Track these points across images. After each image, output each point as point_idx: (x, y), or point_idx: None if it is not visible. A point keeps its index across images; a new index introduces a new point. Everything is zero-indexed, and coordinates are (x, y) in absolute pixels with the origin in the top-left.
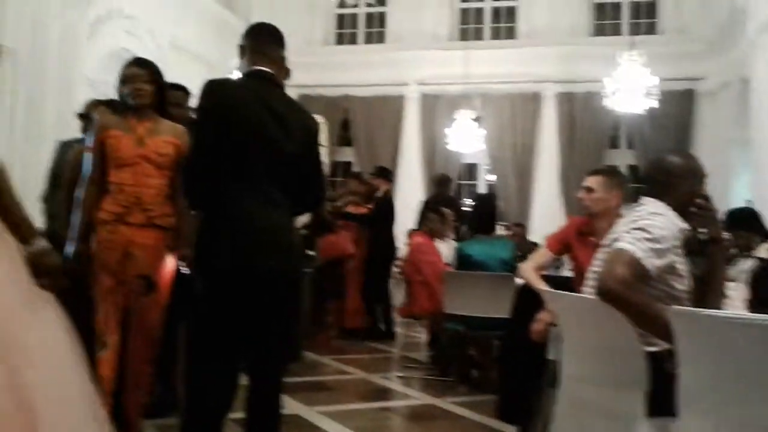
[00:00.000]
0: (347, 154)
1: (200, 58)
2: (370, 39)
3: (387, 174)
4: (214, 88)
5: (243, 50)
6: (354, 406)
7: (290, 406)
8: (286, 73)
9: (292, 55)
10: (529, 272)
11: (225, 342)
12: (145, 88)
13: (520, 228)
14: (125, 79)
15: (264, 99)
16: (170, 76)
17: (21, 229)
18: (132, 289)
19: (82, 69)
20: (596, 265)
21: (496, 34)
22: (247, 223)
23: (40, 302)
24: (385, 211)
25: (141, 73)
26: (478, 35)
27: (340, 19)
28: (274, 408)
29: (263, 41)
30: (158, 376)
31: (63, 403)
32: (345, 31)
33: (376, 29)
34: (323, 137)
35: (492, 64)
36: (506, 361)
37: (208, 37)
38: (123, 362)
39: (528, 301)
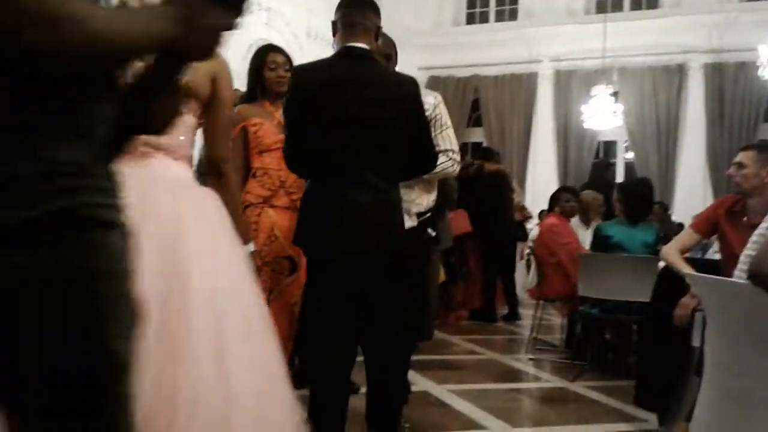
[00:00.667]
0: (478, 135)
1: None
2: (501, 17)
3: (488, 154)
4: (296, 77)
5: (334, 26)
6: (484, 386)
7: (420, 383)
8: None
9: (421, 37)
10: (672, 255)
11: (330, 323)
12: (287, 76)
13: (661, 207)
14: (272, 66)
15: (353, 79)
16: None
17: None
18: (275, 270)
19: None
20: (751, 247)
21: (636, 5)
22: (337, 209)
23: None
24: (485, 189)
25: (284, 60)
26: (616, 7)
27: None
28: (390, 389)
29: (353, 12)
30: (296, 350)
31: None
32: (475, 11)
33: (508, 7)
34: (442, 111)
35: (632, 36)
36: (646, 346)
37: None
38: None
39: (670, 285)
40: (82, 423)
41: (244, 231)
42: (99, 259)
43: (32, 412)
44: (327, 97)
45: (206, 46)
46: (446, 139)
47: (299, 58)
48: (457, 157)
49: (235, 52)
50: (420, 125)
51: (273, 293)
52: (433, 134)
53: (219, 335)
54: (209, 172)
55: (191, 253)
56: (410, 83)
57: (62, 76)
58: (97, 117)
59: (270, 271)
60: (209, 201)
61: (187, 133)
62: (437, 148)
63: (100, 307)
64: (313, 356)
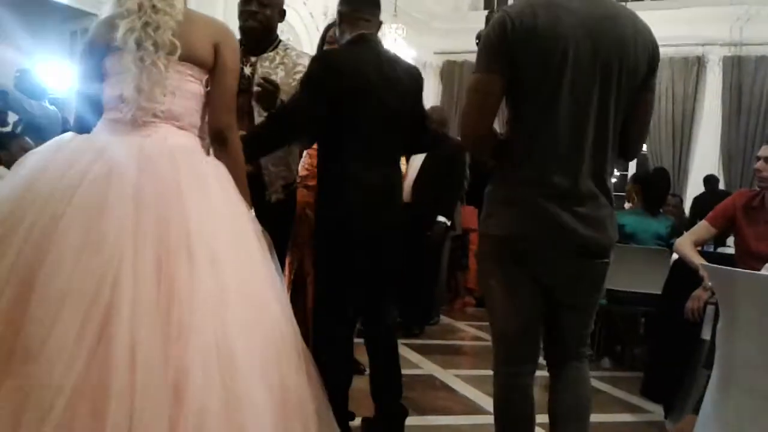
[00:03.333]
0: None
1: None
2: None
3: None
4: (329, 61)
5: (342, 16)
6: (490, 372)
7: (426, 367)
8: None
9: (439, 21)
10: (686, 247)
11: (341, 294)
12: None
13: (677, 199)
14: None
15: (374, 63)
16: None
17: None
18: (300, 249)
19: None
20: None
21: None
22: (359, 184)
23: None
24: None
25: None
26: None
27: None
28: (394, 360)
29: (361, 8)
30: None
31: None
32: None
33: None
34: None
35: (651, 27)
36: (655, 338)
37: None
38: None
39: (683, 277)
40: None
41: (246, 198)
42: None
43: None
44: (357, 81)
45: None
46: None
47: (315, 38)
48: None
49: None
50: (422, 110)
51: (309, 277)
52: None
53: (220, 300)
54: (212, 140)
55: (189, 215)
56: (418, 71)
57: None
58: None
59: (298, 252)
60: (210, 168)
61: (190, 101)
62: None
63: None
64: (320, 329)
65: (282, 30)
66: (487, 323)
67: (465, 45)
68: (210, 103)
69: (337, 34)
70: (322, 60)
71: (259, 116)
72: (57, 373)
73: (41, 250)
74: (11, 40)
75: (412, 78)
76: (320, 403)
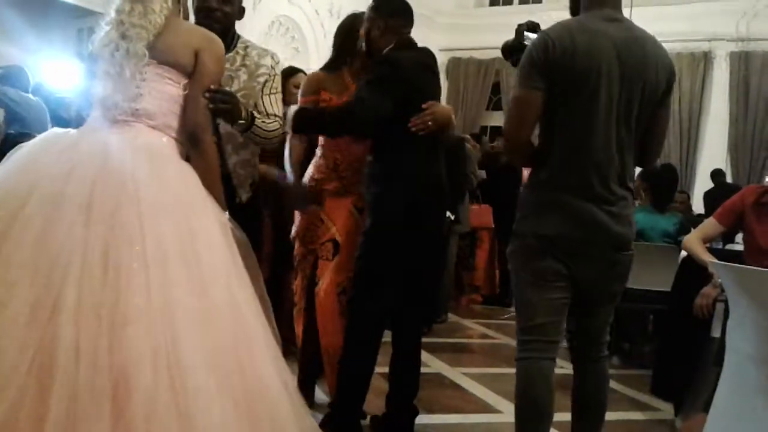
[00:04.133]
0: (497, 119)
1: None
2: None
3: None
4: (397, 62)
5: (389, 26)
6: (497, 370)
7: (434, 365)
8: None
9: (443, 17)
10: (695, 244)
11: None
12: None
13: (684, 195)
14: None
15: (424, 66)
16: (328, 41)
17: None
18: (321, 256)
19: (248, 38)
20: None
21: None
22: (416, 179)
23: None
24: (506, 170)
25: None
26: None
27: None
28: (416, 361)
29: (408, 24)
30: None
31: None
32: None
33: None
34: (279, 74)
35: (657, 22)
36: (665, 336)
37: (363, 2)
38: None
39: (691, 275)
40: None
41: (219, 199)
42: None
43: None
44: (416, 83)
45: None
46: (276, 105)
47: (320, 36)
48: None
49: (258, 28)
50: None
51: (319, 283)
52: (263, 96)
53: (168, 294)
54: (186, 140)
55: (142, 210)
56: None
57: None
58: None
59: (314, 259)
60: (173, 165)
61: (166, 102)
62: (269, 111)
63: None
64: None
65: (287, 27)
66: (495, 321)
67: (471, 41)
68: (185, 105)
69: (376, 37)
70: (394, 63)
71: (224, 129)
72: (8, 359)
73: (2, 236)
74: (16, 39)
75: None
76: (291, 395)
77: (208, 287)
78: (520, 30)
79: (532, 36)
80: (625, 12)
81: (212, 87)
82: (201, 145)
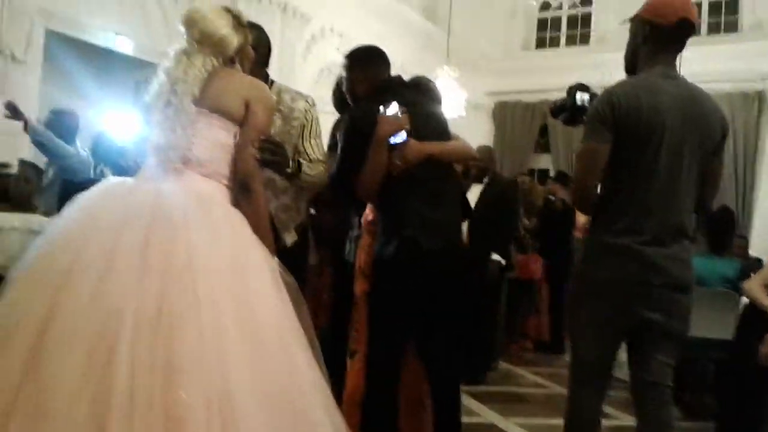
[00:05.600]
0: (545, 161)
1: (403, 68)
2: (572, 42)
3: (565, 179)
4: (356, 117)
5: (356, 77)
6: (551, 420)
7: (486, 415)
8: None
9: (489, 62)
10: (756, 289)
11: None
12: None
13: (742, 240)
14: None
15: (415, 103)
16: None
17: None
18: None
19: (299, 85)
20: None
21: (714, 29)
22: (415, 226)
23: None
24: (562, 218)
25: None
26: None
27: (541, 23)
28: (456, 413)
29: (376, 67)
30: None
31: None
32: (545, 35)
33: (579, 31)
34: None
35: (708, 61)
36: (727, 386)
37: (411, 49)
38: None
39: (754, 321)
40: None
41: (270, 246)
42: None
43: None
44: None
45: None
46: (319, 149)
47: None
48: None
49: (308, 76)
50: None
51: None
52: (304, 141)
53: (218, 339)
54: (237, 187)
55: (194, 257)
56: None
57: None
58: None
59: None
60: (223, 212)
61: (218, 150)
62: (312, 157)
63: None
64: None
65: (336, 74)
66: (548, 369)
67: (517, 85)
68: (235, 153)
69: (360, 90)
70: (352, 120)
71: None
72: (65, 407)
73: (61, 287)
74: (81, 90)
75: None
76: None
77: (260, 333)
78: (571, 91)
79: (584, 96)
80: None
81: (262, 137)
82: (251, 193)
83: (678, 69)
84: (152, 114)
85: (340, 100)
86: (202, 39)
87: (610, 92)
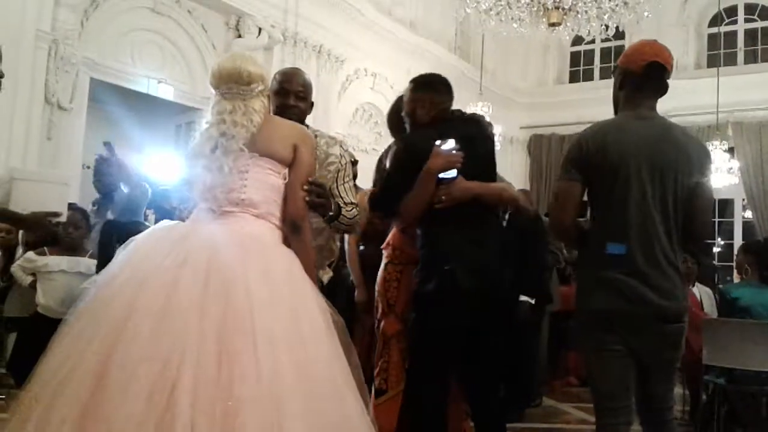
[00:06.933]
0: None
1: None
2: (605, 74)
3: None
4: (412, 143)
5: (419, 100)
6: None
7: None
8: None
9: (524, 96)
10: None
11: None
12: None
13: None
14: None
15: (469, 137)
16: None
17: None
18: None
19: (335, 125)
20: None
21: (751, 58)
22: (456, 262)
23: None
24: None
25: None
26: (729, 60)
27: (574, 56)
28: None
29: (438, 94)
30: None
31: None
32: (578, 69)
33: (614, 63)
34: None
35: (747, 90)
36: None
37: None
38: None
39: None
40: None
41: (315, 282)
42: None
43: None
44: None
45: None
46: (352, 192)
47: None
48: None
49: (344, 115)
50: None
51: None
52: (339, 186)
53: (274, 377)
54: (287, 227)
55: (252, 300)
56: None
57: None
58: None
59: (400, 346)
60: (279, 254)
61: (269, 192)
62: (346, 200)
63: None
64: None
65: (371, 113)
66: (593, 404)
67: (551, 118)
68: (286, 195)
69: (421, 114)
70: (407, 144)
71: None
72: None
73: (120, 329)
74: (124, 136)
75: None
76: None
77: (313, 371)
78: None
79: None
80: (712, 82)
81: (309, 179)
82: (301, 232)
83: (717, 98)
84: (199, 158)
85: (395, 124)
86: (250, 80)
87: (580, 135)
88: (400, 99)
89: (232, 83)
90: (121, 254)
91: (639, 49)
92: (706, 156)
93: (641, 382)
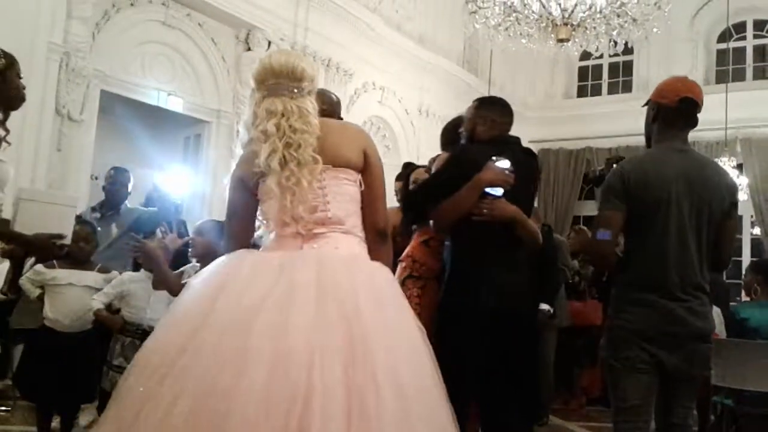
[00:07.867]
0: (590, 208)
1: (445, 119)
2: (614, 89)
3: None
4: (464, 153)
5: (482, 117)
6: None
7: None
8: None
9: (532, 110)
10: None
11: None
12: None
13: None
14: None
15: (519, 161)
16: (418, 138)
17: None
18: None
19: None
20: None
21: (760, 73)
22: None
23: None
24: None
25: None
26: (738, 76)
27: (582, 71)
28: None
29: (501, 115)
30: None
31: None
32: (587, 83)
33: (621, 78)
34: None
35: (756, 106)
36: None
37: (452, 100)
38: None
39: None
40: None
41: None
42: None
43: None
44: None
45: None
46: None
47: (410, 133)
48: None
49: None
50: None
51: None
52: None
53: (404, 413)
54: (373, 236)
55: (368, 329)
56: None
57: None
58: None
59: None
60: (381, 276)
61: (350, 203)
62: None
63: None
64: None
65: (379, 126)
66: (600, 424)
67: (560, 132)
68: (368, 203)
69: (481, 131)
70: (460, 153)
71: None
72: None
73: (232, 374)
74: (133, 148)
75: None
76: None
77: (413, 386)
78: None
79: None
80: (720, 98)
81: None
82: (387, 240)
83: (725, 114)
84: (269, 176)
85: (448, 139)
86: (303, 77)
87: (621, 167)
88: (459, 117)
89: (282, 78)
90: (201, 286)
91: (672, 84)
92: (735, 190)
93: (665, 396)
